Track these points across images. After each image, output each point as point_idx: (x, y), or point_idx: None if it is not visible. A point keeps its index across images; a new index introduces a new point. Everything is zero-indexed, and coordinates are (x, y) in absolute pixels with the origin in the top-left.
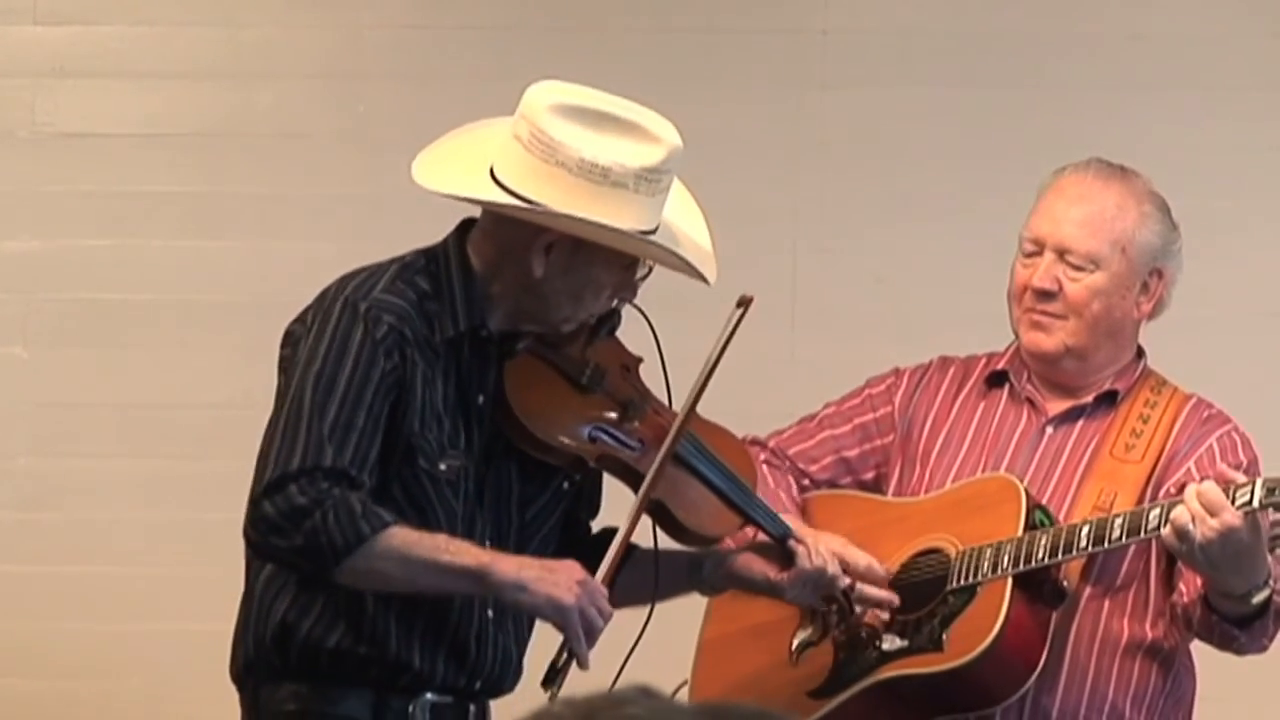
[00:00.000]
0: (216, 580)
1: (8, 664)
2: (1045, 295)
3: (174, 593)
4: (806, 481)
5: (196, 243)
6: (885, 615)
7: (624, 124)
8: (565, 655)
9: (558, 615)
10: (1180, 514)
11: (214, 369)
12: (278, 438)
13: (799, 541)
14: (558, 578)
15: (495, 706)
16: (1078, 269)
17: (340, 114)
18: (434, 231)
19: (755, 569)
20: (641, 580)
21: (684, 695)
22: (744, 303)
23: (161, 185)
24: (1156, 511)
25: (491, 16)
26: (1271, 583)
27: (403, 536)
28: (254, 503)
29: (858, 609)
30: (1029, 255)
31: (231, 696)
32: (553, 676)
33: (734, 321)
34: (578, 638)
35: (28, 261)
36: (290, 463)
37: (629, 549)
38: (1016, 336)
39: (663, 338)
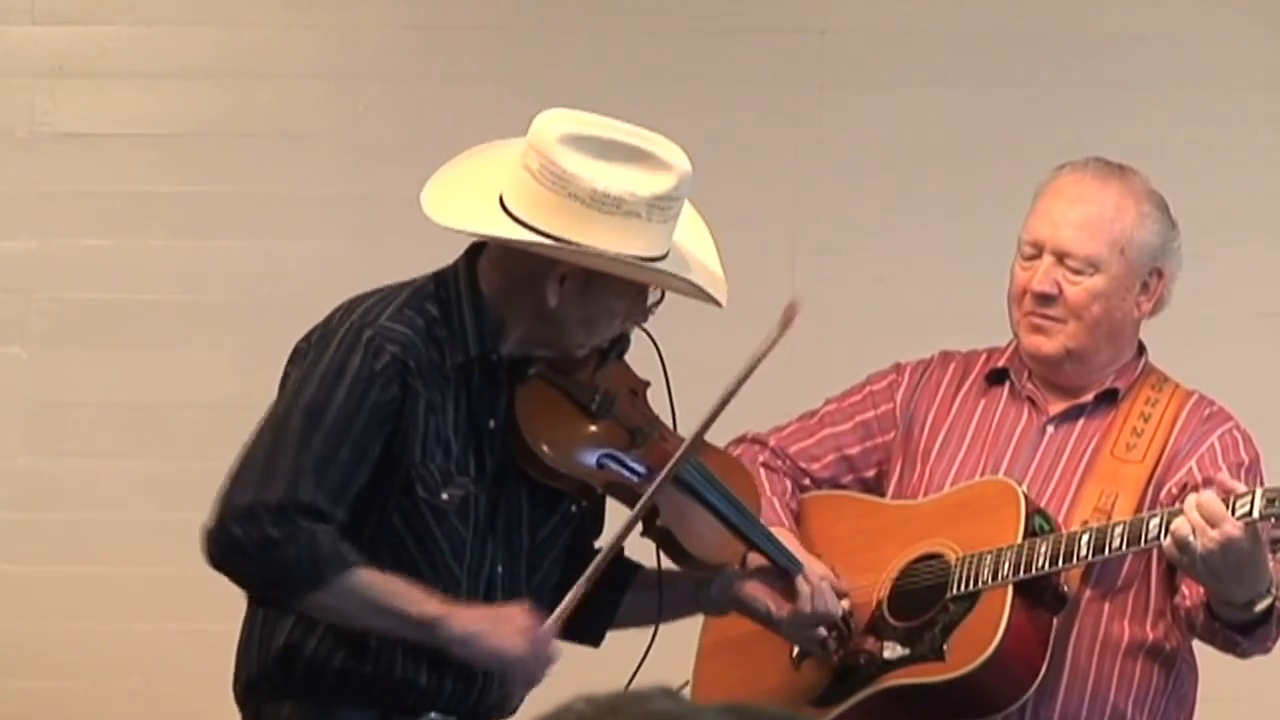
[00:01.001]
0: (216, 580)
1: (8, 664)
2: (1045, 299)
3: (174, 593)
4: (807, 480)
5: (195, 243)
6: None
7: (634, 152)
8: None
9: (502, 668)
10: (1180, 525)
11: (214, 369)
12: (258, 460)
13: (805, 581)
14: (503, 629)
15: None
16: (1077, 272)
17: (339, 114)
18: (433, 232)
19: (759, 598)
20: (646, 602)
21: None
22: (789, 316)
23: (160, 185)
24: (1157, 521)
25: (489, 17)
26: (1273, 590)
27: (365, 580)
28: (220, 522)
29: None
30: (1028, 258)
31: (231, 696)
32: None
33: (773, 337)
34: (516, 688)
35: (26, 261)
36: (265, 492)
37: (633, 569)
38: (1016, 337)
39: (664, 349)
